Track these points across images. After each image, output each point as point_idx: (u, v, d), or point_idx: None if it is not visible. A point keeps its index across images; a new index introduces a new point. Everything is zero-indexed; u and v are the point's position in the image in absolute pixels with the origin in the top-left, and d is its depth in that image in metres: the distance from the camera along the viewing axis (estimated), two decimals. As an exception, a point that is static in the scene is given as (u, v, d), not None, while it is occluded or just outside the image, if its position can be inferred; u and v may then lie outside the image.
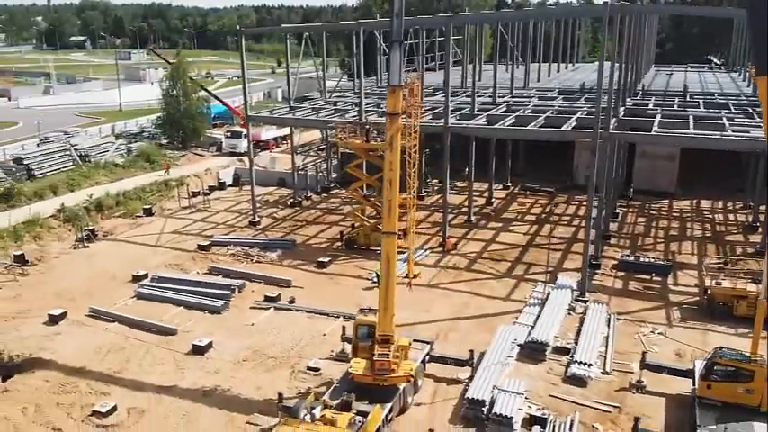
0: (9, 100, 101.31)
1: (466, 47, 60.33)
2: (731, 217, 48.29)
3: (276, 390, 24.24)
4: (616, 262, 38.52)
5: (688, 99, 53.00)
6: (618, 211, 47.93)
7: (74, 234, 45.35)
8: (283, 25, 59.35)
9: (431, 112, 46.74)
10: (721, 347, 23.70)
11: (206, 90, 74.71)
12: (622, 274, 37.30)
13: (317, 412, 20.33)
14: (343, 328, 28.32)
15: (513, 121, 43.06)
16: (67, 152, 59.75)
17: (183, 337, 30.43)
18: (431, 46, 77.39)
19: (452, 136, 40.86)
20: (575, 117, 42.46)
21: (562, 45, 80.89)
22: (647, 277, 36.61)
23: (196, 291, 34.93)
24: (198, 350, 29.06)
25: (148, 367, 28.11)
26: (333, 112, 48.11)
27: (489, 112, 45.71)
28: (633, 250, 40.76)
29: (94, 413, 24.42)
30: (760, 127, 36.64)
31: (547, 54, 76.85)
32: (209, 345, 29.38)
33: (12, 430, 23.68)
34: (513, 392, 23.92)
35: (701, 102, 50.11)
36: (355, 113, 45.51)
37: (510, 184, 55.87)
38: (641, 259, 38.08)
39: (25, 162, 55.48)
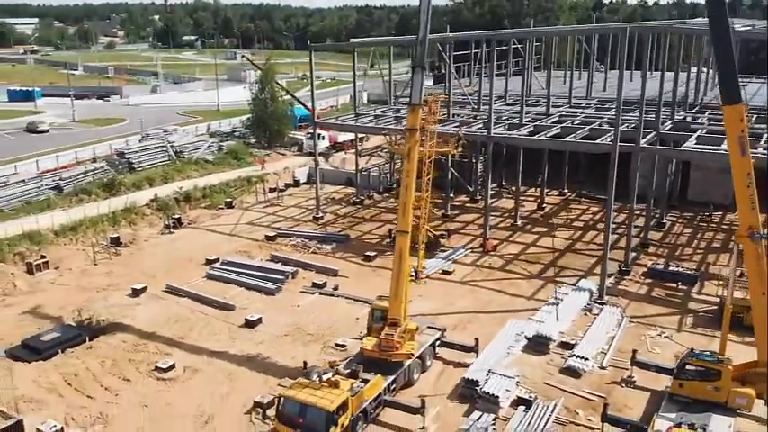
0: (121, 97, 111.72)
1: (529, 56, 62.72)
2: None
3: (307, 360, 28.63)
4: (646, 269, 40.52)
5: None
6: (665, 221, 49.41)
7: (163, 221, 51.68)
8: (352, 40, 63.21)
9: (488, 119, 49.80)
10: (693, 349, 26.07)
11: (291, 94, 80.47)
12: (650, 281, 39.34)
13: (325, 377, 24.46)
14: (372, 313, 32.37)
15: (559, 131, 45.57)
16: (164, 148, 66.89)
17: (239, 313, 35.46)
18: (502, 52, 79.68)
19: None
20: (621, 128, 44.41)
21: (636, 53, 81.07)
22: (674, 285, 38.51)
23: (256, 274, 39.99)
24: (249, 324, 33.99)
25: (206, 335, 33.25)
26: (393, 119, 52.15)
27: (539, 122, 48.37)
28: (669, 259, 42.52)
29: (156, 368, 29.72)
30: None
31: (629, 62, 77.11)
32: (259, 320, 34.24)
33: (91, 378, 29.27)
34: (504, 376, 27.23)
35: (752, 117, 50.50)
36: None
37: (566, 191, 57.95)
38: (670, 268, 39.91)
39: (127, 156, 62.90)
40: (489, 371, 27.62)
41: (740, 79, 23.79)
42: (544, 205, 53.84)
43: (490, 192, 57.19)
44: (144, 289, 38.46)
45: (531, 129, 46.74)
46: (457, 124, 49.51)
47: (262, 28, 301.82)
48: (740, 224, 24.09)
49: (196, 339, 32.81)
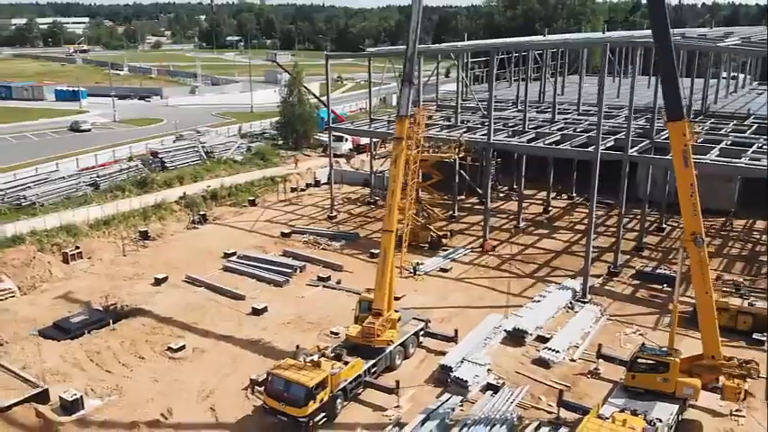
0: (161, 98, 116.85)
1: (545, 63, 64.94)
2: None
3: (303, 345, 31.71)
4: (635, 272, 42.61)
5: (744, 123, 54.49)
6: (665, 225, 51.20)
7: (189, 217, 55.51)
8: (368, 50, 66.30)
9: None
10: (643, 344, 28.39)
11: (317, 98, 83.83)
12: (638, 282, 41.43)
13: (310, 358, 27.51)
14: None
15: (558, 138, 47.85)
16: (196, 149, 70.88)
17: (248, 302, 38.80)
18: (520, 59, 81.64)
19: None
20: (617, 136, 46.58)
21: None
22: (660, 287, 40.53)
23: (268, 268, 43.36)
24: (256, 312, 37.32)
25: (217, 321, 36.67)
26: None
27: (542, 129, 50.67)
28: (660, 263, 44.47)
29: (169, 349, 33.25)
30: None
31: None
32: (265, 309, 37.54)
33: (111, 355, 32.94)
34: (476, 364, 29.92)
35: (754, 126, 51.96)
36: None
37: (574, 195, 59.96)
38: (658, 271, 41.92)
39: (160, 155, 67.00)
40: (463, 359, 30.31)
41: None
42: (550, 209, 56.00)
43: (501, 195, 60.45)
44: (165, 279, 42.14)
45: (533, 135, 49.08)
46: (465, 129, 52.19)
47: (302, 29, 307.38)
48: (685, 230, 26.34)
49: (207, 324, 36.26)
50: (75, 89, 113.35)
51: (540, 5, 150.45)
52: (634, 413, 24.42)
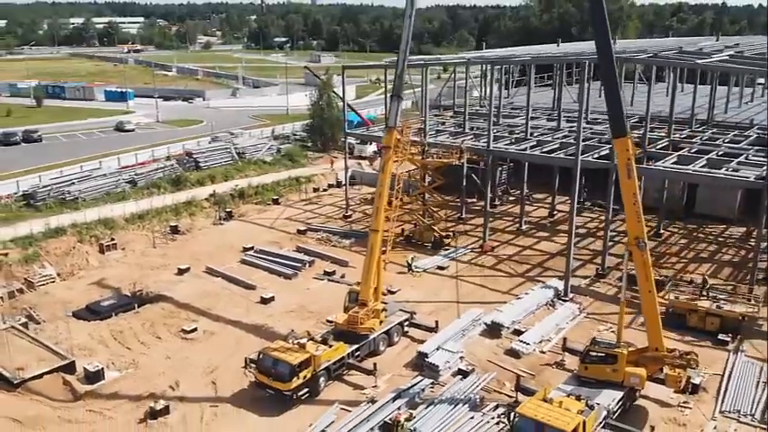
0: (203, 100, 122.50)
1: (557, 73, 67.33)
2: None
3: (300, 331, 35.44)
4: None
5: (745, 133, 55.95)
6: (662, 231, 53.35)
7: (217, 214, 59.97)
8: (384, 60, 69.51)
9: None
10: (595, 338, 31.25)
11: (346, 103, 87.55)
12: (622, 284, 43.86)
13: (298, 341, 31.24)
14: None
15: (557, 146, 50.58)
16: (228, 150, 75.57)
17: (258, 292, 42.82)
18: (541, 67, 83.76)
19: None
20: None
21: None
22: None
23: (280, 262, 47.34)
24: (264, 301, 41.31)
25: (228, 308, 40.75)
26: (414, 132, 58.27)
27: (544, 136, 53.43)
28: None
29: (182, 331, 37.48)
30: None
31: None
32: (272, 298, 41.49)
33: (132, 335, 37.38)
34: (449, 351, 33.23)
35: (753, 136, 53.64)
36: (431, 134, 55.54)
37: (583, 199, 62.26)
38: (641, 274, 44.26)
39: (194, 156, 71.85)
40: (438, 347, 33.64)
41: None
42: (555, 212, 58.60)
43: (511, 198, 63.25)
44: (187, 269, 46.52)
45: (534, 143, 51.91)
46: (471, 136, 55.30)
47: (347, 30, 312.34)
48: (629, 234, 29.13)
49: (219, 310, 40.39)
50: (123, 90, 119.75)
51: (576, 9, 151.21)
52: (578, 398, 27.36)
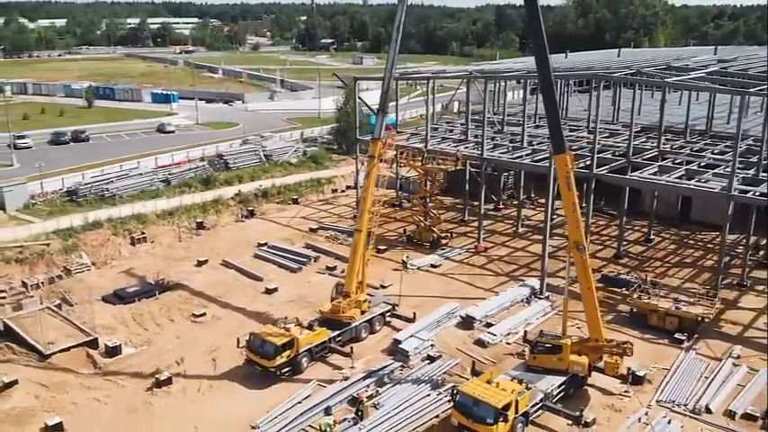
0: (243, 103, 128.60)
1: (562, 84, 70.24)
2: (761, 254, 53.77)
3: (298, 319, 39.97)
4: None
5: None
6: (652, 237, 56.19)
7: (239, 212, 65.16)
8: (397, 72, 73.62)
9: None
10: (542, 330, 34.93)
11: (369, 108, 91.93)
12: (601, 285, 47.15)
13: (285, 326, 35.84)
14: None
15: (547, 155, 53.88)
16: (257, 152, 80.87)
17: (265, 283, 47.62)
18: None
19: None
20: (601, 155, 52.18)
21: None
22: (619, 290, 46.19)
23: (288, 257, 52.07)
24: (268, 291, 46.12)
25: (236, 296, 45.66)
26: (422, 138, 62.41)
27: (540, 144, 56.83)
28: (632, 270, 49.86)
29: (193, 315, 42.53)
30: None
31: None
32: (276, 289, 46.27)
33: (149, 317, 42.60)
34: (421, 339, 37.36)
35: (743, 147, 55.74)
36: (437, 142, 59.56)
37: (584, 205, 65.23)
38: (620, 276, 47.49)
39: (224, 157, 77.35)
40: (411, 335, 37.80)
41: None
42: (554, 216, 61.73)
43: (515, 202, 66.63)
44: (205, 261, 51.69)
45: (529, 151, 55.41)
46: (472, 145, 59.06)
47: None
48: (570, 239, 32.72)
49: (228, 298, 45.33)
50: (168, 92, 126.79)
51: (612, 15, 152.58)
52: (520, 382, 31.21)
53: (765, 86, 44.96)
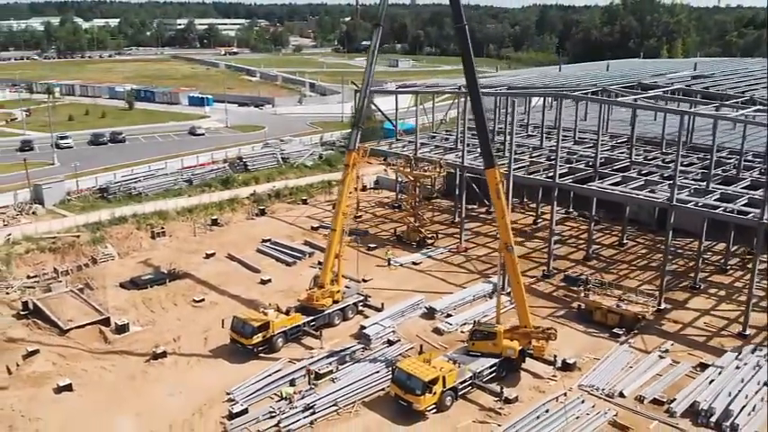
0: (272, 106, 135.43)
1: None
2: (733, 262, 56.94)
3: (283, 306, 45.77)
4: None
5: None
6: (626, 241, 60.38)
7: (251, 210, 71.47)
8: (398, 89, 78.91)
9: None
10: (478, 320, 40.00)
11: (380, 111, 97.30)
12: (563, 284, 51.85)
13: (264, 310, 41.76)
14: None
15: (527, 164, 58.74)
16: (274, 155, 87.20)
17: (261, 274, 53.65)
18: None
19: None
20: (573, 165, 56.73)
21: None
22: (576, 289, 50.72)
23: (285, 252, 58.06)
24: (262, 282, 52.19)
25: (234, 286, 51.83)
26: (419, 146, 67.62)
27: (522, 155, 61.54)
28: (597, 272, 54.26)
29: (193, 300, 48.86)
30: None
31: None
32: (269, 280, 52.28)
33: (156, 301, 49.08)
34: (383, 326, 42.84)
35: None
36: (429, 150, 64.80)
37: (572, 210, 69.62)
38: (579, 277, 51.94)
39: (244, 160, 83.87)
40: (376, 322, 43.29)
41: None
42: (539, 221, 66.49)
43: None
44: (213, 254, 58.08)
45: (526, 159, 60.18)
46: (460, 152, 64.06)
47: (430, 33, 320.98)
48: (500, 241, 37.71)
49: (226, 287, 51.51)
50: (203, 96, 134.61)
51: (637, 22, 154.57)
52: (454, 362, 36.46)
53: (716, 105, 48.86)
